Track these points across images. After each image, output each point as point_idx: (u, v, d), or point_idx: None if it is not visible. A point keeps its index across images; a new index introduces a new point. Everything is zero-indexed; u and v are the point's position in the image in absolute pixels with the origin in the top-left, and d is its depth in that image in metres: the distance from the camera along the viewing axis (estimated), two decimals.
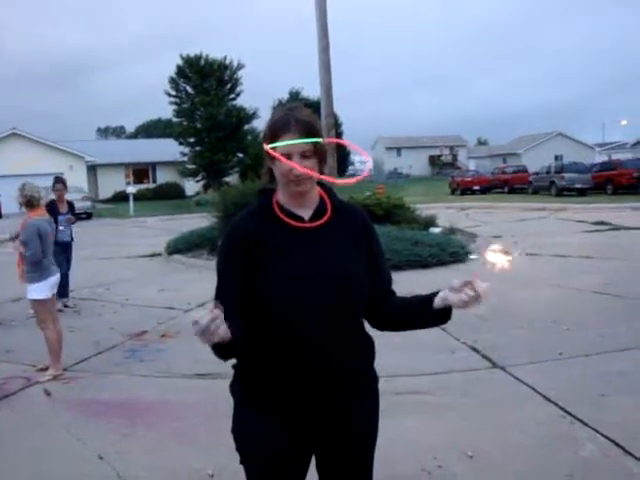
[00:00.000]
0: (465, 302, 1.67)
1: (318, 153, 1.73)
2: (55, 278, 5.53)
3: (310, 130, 1.72)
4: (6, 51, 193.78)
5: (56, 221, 7.96)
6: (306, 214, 1.79)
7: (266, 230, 1.76)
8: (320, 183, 1.84)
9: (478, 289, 1.67)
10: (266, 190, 1.85)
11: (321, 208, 1.81)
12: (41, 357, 5.68)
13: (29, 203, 5.42)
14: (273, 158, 1.73)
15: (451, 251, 10.56)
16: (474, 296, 1.66)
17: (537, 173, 33.18)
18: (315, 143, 1.71)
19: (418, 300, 1.82)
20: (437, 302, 1.74)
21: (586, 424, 3.82)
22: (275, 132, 1.72)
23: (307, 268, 1.72)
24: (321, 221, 1.79)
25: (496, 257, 1.70)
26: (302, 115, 1.74)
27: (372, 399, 1.90)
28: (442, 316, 1.77)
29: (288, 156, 1.69)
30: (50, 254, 5.53)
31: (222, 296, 1.79)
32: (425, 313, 1.78)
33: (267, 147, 1.72)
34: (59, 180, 8.52)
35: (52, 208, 8.08)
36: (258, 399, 1.77)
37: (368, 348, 1.88)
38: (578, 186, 28.71)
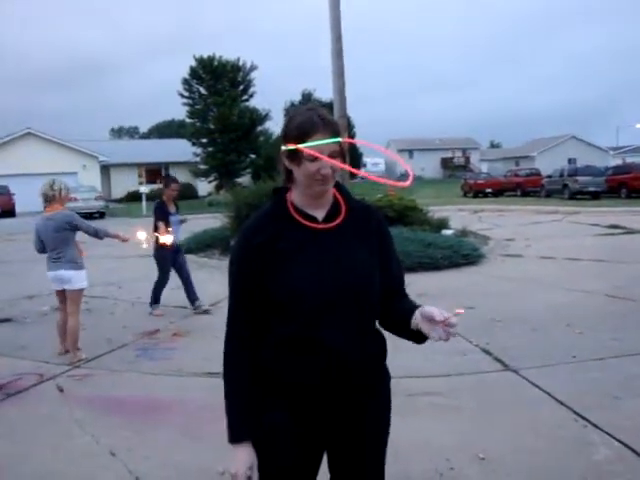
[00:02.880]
0: (435, 338, 1.62)
1: (342, 152, 1.73)
2: (52, 274, 5.65)
3: (337, 129, 1.72)
4: (22, 50, 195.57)
5: (167, 223, 7.43)
6: (320, 215, 1.78)
7: (279, 232, 1.75)
8: (335, 183, 1.83)
9: (449, 331, 1.60)
10: (279, 190, 1.84)
11: (335, 208, 1.81)
12: (54, 353, 5.76)
13: (44, 199, 5.65)
14: (294, 159, 1.71)
15: (463, 253, 10.53)
16: (443, 337, 1.61)
17: (550, 176, 32.97)
18: (339, 143, 1.71)
19: (405, 312, 1.76)
20: (412, 323, 1.71)
21: (600, 428, 3.78)
22: (304, 132, 1.68)
23: (319, 269, 1.72)
24: (335, 222, 1.78)
25: None
26: (327, 115, 1.73)
27: (384, 397, 1.89)
28: (419, 338, 1.73)
29: (317, 158, 1.68)
30: (50, 250, 5.63)
31: (235, 301, 1.80)
32: (406, 329, 1.75)
33: (300, 146, 1.68)
34: (174, 179, 7.95)
35: (161, 209, 7.54)
36: (270, 396, 1.77)
37: (380, 347, 1.87)
38: (591, 189, 28.52)
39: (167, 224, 7.43)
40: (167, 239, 7.36)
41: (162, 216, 7.46)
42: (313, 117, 1.70)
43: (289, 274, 1.71)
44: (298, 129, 1.70)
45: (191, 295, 7.65)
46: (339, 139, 1.71)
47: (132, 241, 6.51)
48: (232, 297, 1.81)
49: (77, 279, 5.66)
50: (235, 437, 1.75)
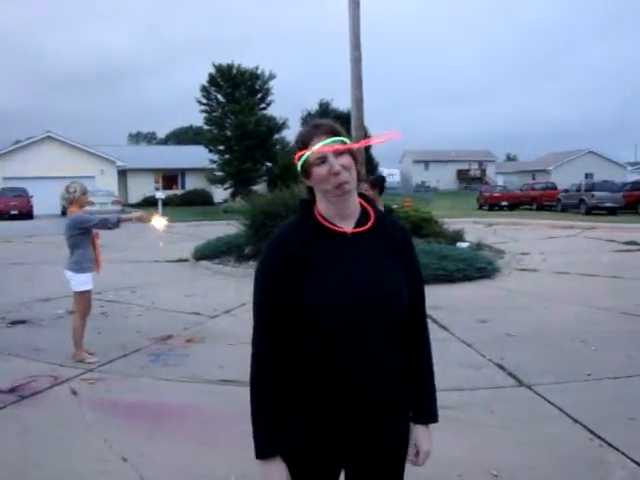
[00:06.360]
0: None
1: (350, 151, 1.72)
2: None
3: (334, 130, 1.74)
4: (43, 54, 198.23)
5: None
6: (348, 226, 1.77)
7: (309, 243, 1.73)
8: (361, 194, 1.83)
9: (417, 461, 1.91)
10: (306, 201, 1.83)
11: (363, 219, 1.79)
12: (69, 356, 5.80)
13: (64, 202, 5.95)
14: (307, 173, 1.73)
15: (478, 267, 10.47)
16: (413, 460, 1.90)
17: (567, 190, 32.81)
18: (343, 141, 1.72)
19: (414, 385, 1.89)
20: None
21: (615, 447, 3.74)
22: (304, 142, 1.73)
23: (348, 281, 1.70)
24: (362, 228, 1.78)
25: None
26: (321, 121, 1.79)
27: (404, 415, 1.87)
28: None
29: (323, 159, 1.69)
30: (68, 248, 5.87)
31: (262, 313, 1.77)
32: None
33: (299, 154, 1.73)
34: (377, 179, 7.29)
35: None
36: (289, 407, 1.76)
37: (402, 363, 1.85)
38: (608, 205, 28.34)
39: None
40: None
41: None
42: (307, 128, 1.78)
43: (318, 286, 1.69)
44: (298, 143, 1.76)
45: None
46: (339, 138, 1.71)
47: (150, 224, 6.28)
48: (258, 309, 1.78)
49: (75, 282, 5.76)
50: (266, 452, 1.72)
